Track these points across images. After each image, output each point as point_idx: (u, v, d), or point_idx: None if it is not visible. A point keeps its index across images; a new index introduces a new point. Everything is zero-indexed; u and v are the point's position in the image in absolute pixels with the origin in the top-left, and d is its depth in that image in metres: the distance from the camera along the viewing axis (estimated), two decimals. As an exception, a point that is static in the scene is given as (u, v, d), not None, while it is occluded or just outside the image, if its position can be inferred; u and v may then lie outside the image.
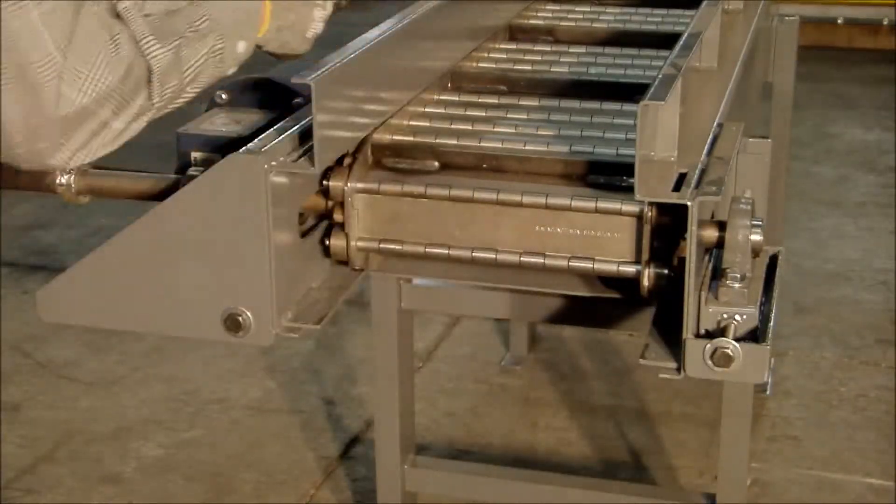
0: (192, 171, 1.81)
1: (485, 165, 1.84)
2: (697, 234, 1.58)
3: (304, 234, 1.79)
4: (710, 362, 1.57)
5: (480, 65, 2.32)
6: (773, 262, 1.75)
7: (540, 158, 1.84)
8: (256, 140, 1.73)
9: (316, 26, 1.76)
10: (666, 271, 1.69)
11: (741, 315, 1.58)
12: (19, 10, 1.26)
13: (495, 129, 1.97)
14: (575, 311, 2.39)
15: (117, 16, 1.39)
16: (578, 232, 1.73)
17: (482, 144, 1.89)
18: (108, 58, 1.32)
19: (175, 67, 1.46)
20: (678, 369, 1.62)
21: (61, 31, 1.28)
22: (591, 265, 1.73)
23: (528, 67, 2.31)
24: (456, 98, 2.14)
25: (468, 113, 2.05)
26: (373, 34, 1.84)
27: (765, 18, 2.87)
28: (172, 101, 1.53)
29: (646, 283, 1.70)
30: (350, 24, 2.34)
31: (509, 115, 2.04)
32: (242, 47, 1.63)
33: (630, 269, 1.71)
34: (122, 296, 1.61)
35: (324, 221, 1.84)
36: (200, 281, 1.68)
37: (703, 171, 1.70)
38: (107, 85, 1.32)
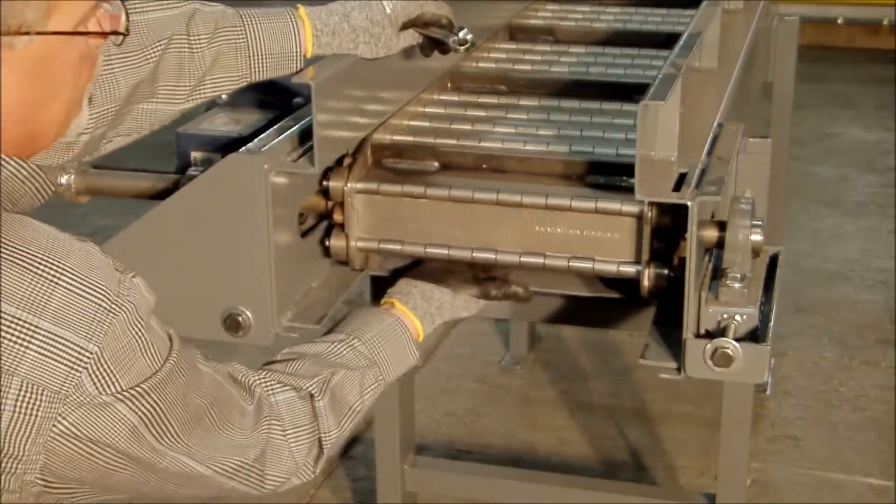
0: (192, 171, 1.81)
1: (485, 166, 1.84)
2: (697, 234, 1.58)
3: (304, 234, 1.79)
4: (710, 362, 1.57)
5: (480, 65, 2.32)
6: (773, 262, 1.75)
7: (540, 158, 1.84)
8: (256, 140, 1.73)
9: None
10: (666, 271, 1.69)
11: (741, 315, 1.58)
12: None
13: (495, 130, 1.97)
14: (575, 311, 2.38)
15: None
16: (578, 232, 1.73)
17: (482, 144, 1.89)
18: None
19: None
20: (678, 369, 1.62)
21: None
22: (591, 265, 1.73)
23: (528, 67, 2.31)
24: (456, 98, 2.14)
25: (468, 113, 2.05)
26: (373, 34, 1.84)
27: (765, 18, 2.87)
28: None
29: (646, 283, 1.70)
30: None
31: (509, 115, 2.04)
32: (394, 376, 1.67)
33: (630, 270, 1.71)
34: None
35: (324, 221, 1.84)
36: (200, 281, 1.68)
37: (703, 171, 1.69)
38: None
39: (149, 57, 1.60)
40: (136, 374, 1.14)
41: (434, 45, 1.82)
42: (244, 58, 1.67)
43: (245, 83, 1.71)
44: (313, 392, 1.46)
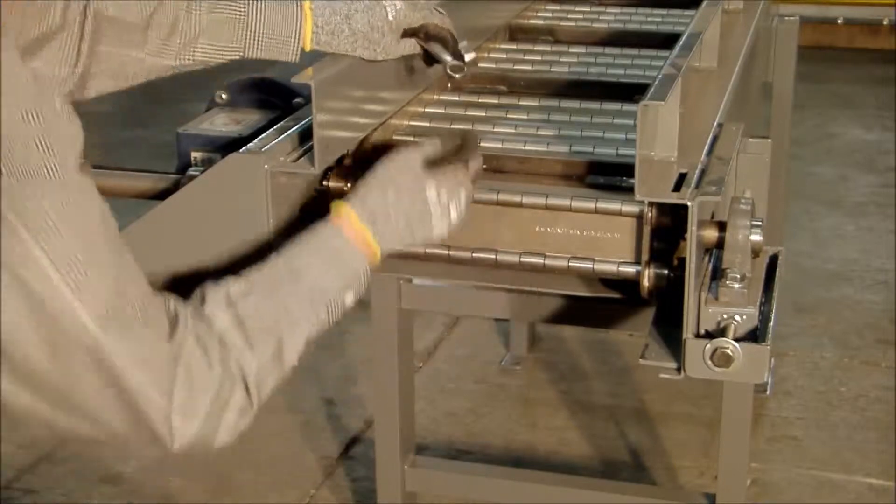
0: (192, 170, 1.81)
1: (485, 166, 1.84)
2: (697, 235, 1.58)
3: (304, 235, 1.79)
4: (710, 362, 1.57)
5: (480, 65, 2.32)
6: (773, 262, 1.74)
7: (540, 159, 1.84)
8: (256, 140, 1.73)
9: (441, 230, 1.61)
10: (666, 271, 1.69)
11: (741, 315, 1.58)
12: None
13: (495, 130, 1.97)
14: (575, 311, 2.39)
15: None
16: (578, 232, 1.73)
17: (482, 145, 1.89)
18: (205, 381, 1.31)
19: (274, 365, 1.40)
20: (678, 369, 1.62)
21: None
22: (591, 265, 1.73)
23: (528, 67, 2.31)
24: (456, 98, 2.14)
25: (468, 113, 2.05)
26: (373, 34, 1.84)
27: (765, 18, 2.87)
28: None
29: (646, 283, 1.70)
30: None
31: (509, 116, 2.04)
32: (350, 299, 1.50)
33: (630, 270, 1.71)
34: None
35: (324, 221, 1.83)
36: (200, 281, 1.68)
37: (703, 171, 1.70)
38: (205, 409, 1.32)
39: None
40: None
41: (432, 61, 1.82)
42: (241, 31, 1.67)
43: (236, 56, 1.70)
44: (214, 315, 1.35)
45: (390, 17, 1.74)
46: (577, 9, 2.74)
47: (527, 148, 1.87)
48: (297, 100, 1.90)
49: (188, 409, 1.29)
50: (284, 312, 1.41)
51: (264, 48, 1.69)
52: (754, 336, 1.58)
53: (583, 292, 1.83)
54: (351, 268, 1.49)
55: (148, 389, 1.25)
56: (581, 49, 2.44)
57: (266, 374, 1.39)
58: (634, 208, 1.68)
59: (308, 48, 1.71)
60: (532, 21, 2.65)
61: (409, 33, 1.78)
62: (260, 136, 1.75)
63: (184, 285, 1.43)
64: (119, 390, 1.24)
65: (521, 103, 2.11)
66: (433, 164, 1.59)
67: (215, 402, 1.33)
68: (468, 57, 1.80)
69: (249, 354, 1.35)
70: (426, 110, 2.05)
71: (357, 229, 1.51)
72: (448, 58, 1.78)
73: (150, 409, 1.26)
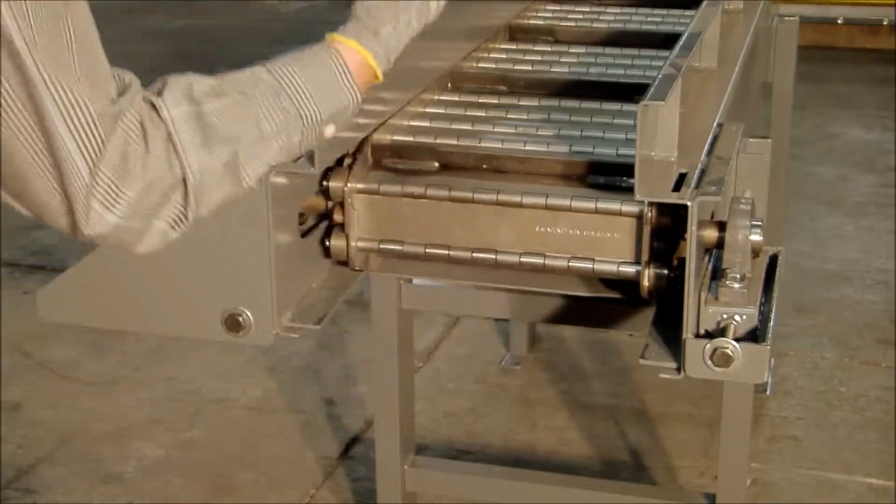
0: (192, 171, 1.81)
1: (485, 166, 1.84)
2: (697, 235, 1.58)
3: (304, 235, 1.79)
4: (709, 362, 1.57)
5: (480, 65, 2.32)
6: (773, 262, 1.75)
7: (540, 159, 1.84)
8: (256, 140, 1.73)
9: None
10: (666, 271, 1.69)
11: (741, 315, 1.58)
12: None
13: (495, 130, 1.97)
14: (575, 311, 2.39)
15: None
16: (578, 232, 1.73)
17: (482, 145, 1.89)
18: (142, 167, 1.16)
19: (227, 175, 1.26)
20: (678, 369, 1.62)
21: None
22: (591, 265, 1.73)
23: (528, 67, 2.31)
24: (456, 98, 2.14)
25: (468, 113, 2.05)
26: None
27: (765, 18, 2.87)
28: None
29: (646, 283, 1.70)
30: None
31: (509, 116, 2.04)
32: (330, 130, 1.38)
33: (630, 270, 1.71)
34: (122, 296, 1.62)
35: (324, 222, 1.84)
36: (200, 281, 1.68)
37: (703, 171, 1.70)
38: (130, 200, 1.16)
39: None
40: None
41: None
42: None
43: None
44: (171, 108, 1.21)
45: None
46: (577, 9, 2.74)
47: (527, 148, 1.87)
48: (297, 100, 1.90)
49: (111, 194, 1.15)
50: (253, 124, 1.28)
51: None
52: (754, 336, 1.58)
53: (583, 292, 1.83)
54: (340, 99, 1.37)
55: (74, 154, 1.12)
56: (581, 49, 2.44)
57: (213, 183, 1.24)
58: (634, 208, 1.68)
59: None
60: (532, 21, 2.65)
61: None
62: (260, 136, 1.74)
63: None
64: (48, 147, 1.12)
65: (521, 103, 2.11)
66: None
67: (145, 197, 1.18)
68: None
69: (196, 156, 1.21)
70: (426, 110, 2.05)
71: (359, 57, 1.40)
72: None
73: (72, 177, 1.13)
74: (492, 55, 2.38)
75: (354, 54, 1.41)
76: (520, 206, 1.73)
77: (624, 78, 2.24)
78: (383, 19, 1.45)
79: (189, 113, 1.22)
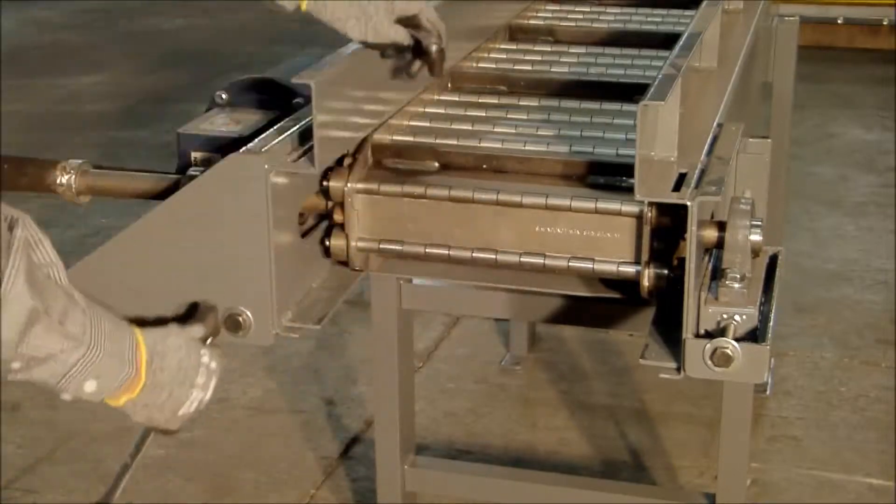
0: (192, 171, 1.81)
1: (485, 166, 1.84)
2: (697, 235, 1.58)
3: (304, 234, 1.79)
4: (709, 362, 1.57)
5: (480, 65, 2.32)
6: (772, 262, 1.75)
7: (540, 159, 1.84)
8: (256, 140, 1.73)
9: (190, 406, 1.54)
10: (666, 271, 1.69)
11: (741, 315, 1.58)
12: None
13: (495, 130, 1.97)
14: (575, 311, 2.39)
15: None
16: (578, 232, 1.73)
17: (482, 145, 1.89)
18: None
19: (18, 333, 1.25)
20: (678, 369, 1.62)
21: None
22: (590, 265, 1.73)
23: (528, 67, 2.31)
24: (456, 98, 2.14)
25: (468, 113, 2.05)
26: (373, 34, 1.84)
27: (765, 18, 2.87)
28: None
29: (646, 283, 1.70)
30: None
31: (509, 116, 2.04)
32: (91, 387, 1.37)
33: (630, 270, 1.71)
34: (122, 296, 1.61)
35: (324, 222, 1.84)
36: (200, 281, 1.68)
37: (703, 171, 1.70)
38: None
39: None
40: None
41: (415, 52, 1.79)
42: None
43: None
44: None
45: None
46: (577, 9, 2.74)
47: (527, 148, 1.87)
48: (297, 100, 1.91)
49: None
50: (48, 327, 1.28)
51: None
52: (754, 336, 1.58)
53: (583, 292, 1.83)
54: (112, 370, 1.39)
55: None
56: (581, 49, 2.44)
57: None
58: (634, 208, 1.68)
59: (304, 6, 1.66)
60: (532, 21, 2.65)
61: (402, 21, 1.76)
62: (260, 136, 1.75)
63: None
64: None
65: (521, 103, 2.11)
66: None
67: None
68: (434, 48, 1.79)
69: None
70: (426, 110, 2.05)
71: (140, 354, 1.44)
72: (434, 46, 1.78)
73: None
74: (492, 55, 2.38)
75: (139, 350, 1.45)
76: (520, 206, 1.73)
77: (624, 78, 2.24)
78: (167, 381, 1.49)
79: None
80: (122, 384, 1.41)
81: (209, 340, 1.61)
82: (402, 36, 1.77)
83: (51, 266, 1.32)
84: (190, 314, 1.64)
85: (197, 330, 1.60)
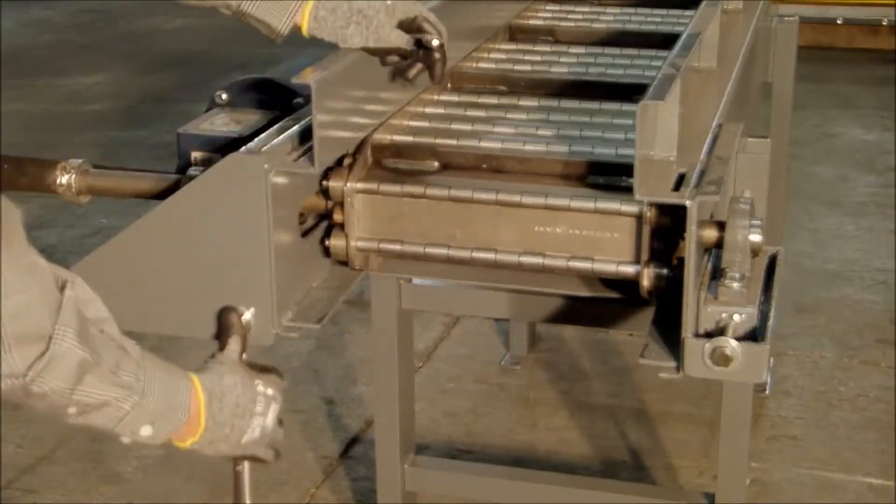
0: (192, 171, 1.81)
1: (484, 166, 1.84)
2: (697, 234, 1.58)
3: (304, 234, 1.79)
4: (709, 362, 1.57)
5: (480, 65, 2.32)
6: (772, 262, 1.75)
7: (540, 159, 1.84)
8: (256, 140, 1.73)
9: (253, 433, 1.57)
10: (665, 271, 1.69)
11: (740, 315, 1.59)
12: None
13: (495, 130, 1.97)
14: (575, 311, 2.39)
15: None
16: (578, 232, 1.73)
17: (482, 145, 1.89)
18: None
19: (71, 375, 1.31)
20: (677, 368, 1.62)
21: None
22: (590, 265, 1.73)
23: (528, 68, 2.31)
24: (456, 98, 2.14)
25: (468, 113, 2.05)
26: (373, 34, 1.84)
27: (764, 18, 2.87)
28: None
29: (645, 283, 1.70)
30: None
31: (509, 116, 2.05)
32: (147, 431, 1.43)
33: (629, 270, 1.71)
34: (121, 296, 1.61)
35: (324, 221, 1.84)
36: (200, 281, 1.68)
37: (702, 171, 1.70)
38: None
39: None
40: None
41: (416, 56, 1.80)
42: None
43: (227, 12, 1.74)
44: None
45: (388, 1, 1.73)
46: (577, 9, 2.74)
47: (526, 148, 1.87)
48: (297, 100, 1.91)
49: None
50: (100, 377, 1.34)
51: (259, 7, 1.69)
52: (753, 335, 1.58)
53: (582, 292, 1.83)
54: (167, 416, 1.44)
55: None
56: (581, 49, 2.44)
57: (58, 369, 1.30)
58: (634, 208, 1.68)
59: (305, 24, 1.70)
60: (532, 21, 2.65)
61: (404, 24, 1.77)
62: (260, 136, 1.75)
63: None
64: None
65: (520, 103, 2.11)
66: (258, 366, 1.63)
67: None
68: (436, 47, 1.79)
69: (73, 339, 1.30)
70: (426, 110, 2.05)
71: (198, 398, 1.49)
72: (437, 54, 1.78)
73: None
74: (491, 55, 2.38)
75: (196, 394, 1.50)
76: (519, 205, 1.74)
77: (623, 78, 2.24)
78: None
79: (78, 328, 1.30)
80: (177, 428, 1.46)
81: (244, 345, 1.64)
82: (403, 41, 1.77)
83: (103, 322, 1.38)
84: (220, 327, 1.67)
85: (235, 347, 1.63)
